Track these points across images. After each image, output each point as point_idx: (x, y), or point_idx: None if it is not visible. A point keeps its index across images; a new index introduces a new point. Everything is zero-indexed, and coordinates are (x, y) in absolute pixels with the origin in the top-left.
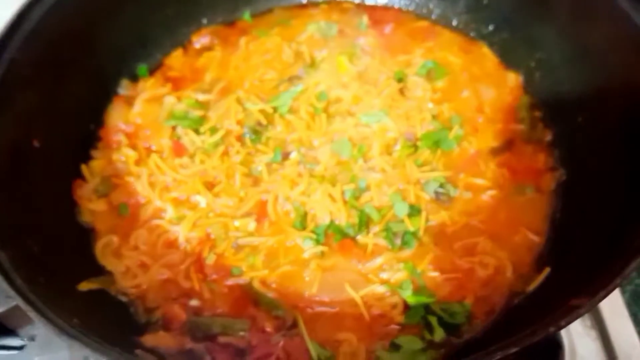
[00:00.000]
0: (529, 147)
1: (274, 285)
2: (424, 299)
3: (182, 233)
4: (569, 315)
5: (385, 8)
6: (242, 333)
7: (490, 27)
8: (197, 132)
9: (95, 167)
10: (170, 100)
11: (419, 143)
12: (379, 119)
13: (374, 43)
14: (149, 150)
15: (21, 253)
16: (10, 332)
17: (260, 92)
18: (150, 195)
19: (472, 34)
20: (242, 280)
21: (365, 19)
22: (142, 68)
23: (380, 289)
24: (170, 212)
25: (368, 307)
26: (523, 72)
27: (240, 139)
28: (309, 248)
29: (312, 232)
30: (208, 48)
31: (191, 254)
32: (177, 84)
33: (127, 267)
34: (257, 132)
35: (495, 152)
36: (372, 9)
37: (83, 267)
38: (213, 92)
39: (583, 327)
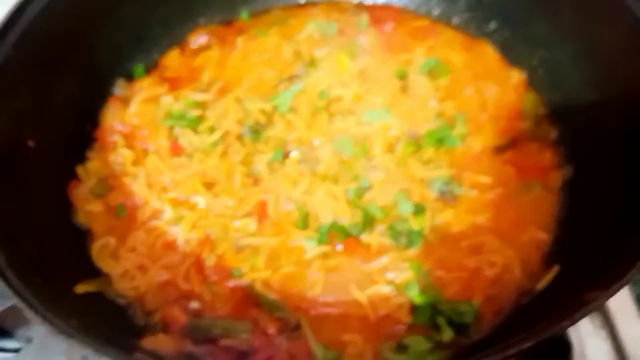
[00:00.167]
0: (535, 145)
1: (276, 287)
2: (431, 299)
3: (181, 234)
4: (583, 309)
5: (385, 7)
6: (244, 335)
7: (492, 25)
8: (195, 132)
9: (91, 168)
10: (167, 100)
11: (422, 141)
12: (382, 117)
13: (374, 42)
14: (146, 151)
15: (16, 253)
16: (6, 334)
17: (259, 92)
18: (148, 195)
19: (473, 32)
20: (244, 281)
21: (365, 17)
22: (138, 68)
23: (386, 289)
24: (168, 213)
25: (373, 307)
26: (526, 70)
27: (239, 138)
28: (312, 248)
29: (315, 232)
30: (205, 48)
31: (190, 255)
32: (174, 84)
33: (124, 269)
34: (256, 131)
35: (500, 149)
36: (372, 8)
37: (80, 269)
38: (211, 92)
39: (592, 327)
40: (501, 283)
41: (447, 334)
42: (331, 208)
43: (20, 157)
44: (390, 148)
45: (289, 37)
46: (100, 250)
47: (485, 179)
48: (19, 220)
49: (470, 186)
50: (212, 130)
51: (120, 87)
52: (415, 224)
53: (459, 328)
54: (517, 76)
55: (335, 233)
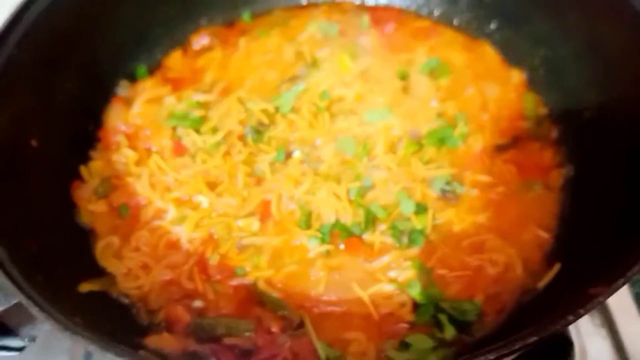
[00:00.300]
0: (536, 144)
1: (279, 285)
2: (433, 297)
3: (185, 233)
4: (588, 304)
5: (386, 8)
6: (247, 334)
7: (493, 25)
8: (198, 132)
9: (94, 168)
10: (170, 100)
11: (423, 141)
12: (383, 117)
13: (375, 42)
14: (149, 151)
15: (20, 252)
16: (10, 332)
17: (261, 92)
18: (151, 195)
19: (474, 33)
20: (247, 280)
21: (366, 18)
22: (141, 69)
23: (388, 288)
24: (172, 213)
25: (376, 306)
26: (527, 70)
27: (242, 138)
28: (315, 247)
29: (318, 231)
30: (207, 49)
31: (194, 255)
32: (176, 85)
33: (128, 269)
34: (259, 131)
35: (501, 149)
36: (373, 9)
37: (83, 268)
38: (213, 93)
39: (593, 325)
40: (503, 281)
41: (450, 332)
42: (333, 207)
43: (23, 156)
44: (392, 148)
45: (290, 38)
46: (103, 249)
47: (487, 178)
48: (23, 219)
49: (471, 185)
50: (214, 130)
51: (123, 88)
52: (417, 223)
53: (462, 326)
54: (517, 76)
55: (337, 232)
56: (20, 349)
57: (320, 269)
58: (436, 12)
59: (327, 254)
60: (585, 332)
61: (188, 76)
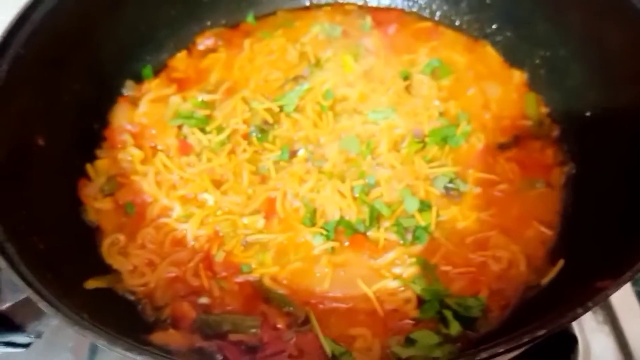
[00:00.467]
0: (537, 143)
1: (284, 282)
2: (438, 294)
3: (190, 231)
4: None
5: (388, 9)
6: (253, 330)
7: (494, 26)
8: (203, 131)
9: (100, 167)
10: (175, 99)
11: (426, 139)
12: (387, 115)
13: (378, 43)
14: (154, 150)
15: (27, 249)
16: (16, 328)
17: (265, 92)
18: (157, 193)
19: (475, 34)
20: (252, 277)
21: (368, 20)
22: (146, 69)
23: (393, 284)
24: (177, 210)
25: (381, 302)
26: (528, 70)
27: (247, 137)
28: (320, 244)
29: (322, 228)
30: (212, 50)
31: (199, 252)
32: (181, 85)
33: (134, 266)
34: (263, 130)
35: (503, 147)
36: (375, 10)
37: (90, 265)
38: (218, 92)
39: (596, 322)
40: (507, 278)
41: (455, 328)
42: (338, 205)
43: (30, 155)
44: (395, 146)
45: (294, 39)
46: (109, 247)
47: (490, 176)
48: (30, 217)
49: (474, 183)
50: (220, 129)
51: (129, 88)
52: (421, 220)
53: (466, 322)
54: (519, 76)
55: (342, 229)
56: (26, 346)
57: (325, 266)
58: (438, 14)
59: (332, 250)
60: (589, 329)
61: (193, 76)
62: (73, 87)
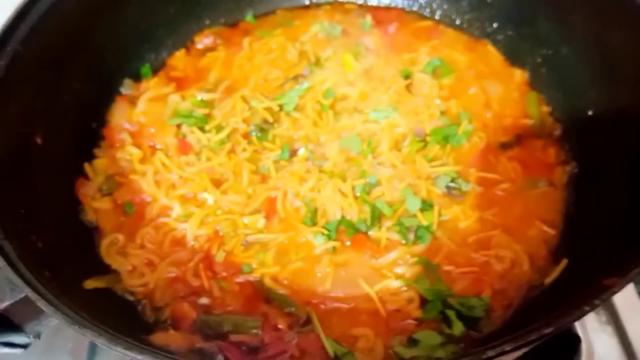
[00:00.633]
0: (539, 142)
1: (285, 282)
2: (441, 293)
3: (190, 230)
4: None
5: (388, 8)
6: (254, 331)
7: (495, 25)
8: (202, 130)
9: (98, 166)
10: (174, 98)
11: (428, 138)
12: (388, 114)
13: (378, 42)
14: (153, 149)
15: (26, 247)
16: (15, 328)
17: (265, 91)
18: (156, 193)
19: (476, 33)
20: (253, 277)
21: (368, 19)
22: (145, 68)
23: (395, 284)
24: (177, 210)
25: (383, 302)
26: (529, 69)
27: (246, 136)
28: (321, 244)
29: (324, 227)
30: (211, 48)
31: (199, 252)
32: (180, 84)
33: (133, 266)
34: (263, 129)
35: (505, 146)
36: (375, 9)
37: (88, 265)
38: (217, 91)
39: (599, 323)
40: (510, 277)
41: (458, 328)
42: (339, 204)
43: (28, 154)
44: (396, 145)
45: (294, 38)
46: (108, 247)
47: (492, 176)
48: (29, 216)
49: (476, 182)
50: (219, 128)
51: (127, 87)
52: (423, 220)
53: (470, 322)
54: (520, 75)
55: (343, 229)
56: (24, 346)
57: (326, 266)
58: (438, 13)
59: (333, 250)
60: (592, 329)
61: (192, 75)
62: (72, 85)
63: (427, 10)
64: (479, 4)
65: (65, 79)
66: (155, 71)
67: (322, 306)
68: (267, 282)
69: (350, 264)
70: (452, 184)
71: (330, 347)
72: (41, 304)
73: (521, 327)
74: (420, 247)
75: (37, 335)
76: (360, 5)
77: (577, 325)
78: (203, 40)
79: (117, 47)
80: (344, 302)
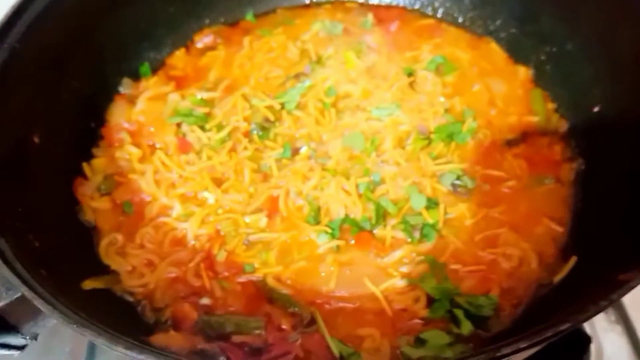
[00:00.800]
0: (545, 139)
1: (289, 282)
2: (448, 292)
3: (191, 230)
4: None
5: (389, 7)
6: (257, 331)
7: (497, 23)
8: (203, 128)
9: (97, 165)
10: (174, 97)
11: (432, 136)
12: (391, 112)
13: (380, 40)
14: (153, 148)
15: (23, 246)
16: (11, 329)
17: (266, 90)
18: (155, 192)
19: (479, 31)
20: (255, 277)
21: (370, 17)
22: (144, 67)
23: (401, 283)
24: (177, 209)
25: (389, 301)
26: (533, 66)
27: (247, 135)
28: (324, 243)
29: (327, 226)
30: (211, 48)
31: (200, 251)
32: (180, 83)
33: (132, 266)
34: (264, 128)
35: (510, 144)
36: (377, 8)
37: (87, 265)
38: (218, 90)
39: (608, 322)
40: (518, 275)
41: (467, 327)
42: (343, 202)
43: (26, 152)
44: (400, 143)
45: (294, 37)
46: (107, 247)
47: (498, 173)
48: (26, 214)
49: (482, 180)
50: (220, 127)
51: (126, 86)
52: (428, 218)
53: (478, 321)
54: (524, 72)
55: (347, 227)
56: (21, 348)
57: (330, 265)
58: (440, 11)
59: (337, 249)
60: (601, 329)
61: (191, 74)
62: (71, 84)
63: (429, 8)
64: (482, 2)
65: (64, 78)
66: (154, 70)
67: (327, 306)
68: (270, 281)
69: (354, 263)
70: (457, 182)
71: (335, 348)
72: (38, 302)
73: (531, 325)
74: (426, 246)
75: (34, 337)
76: (362, 4)
77: (586, 325)
78: (203, 40)
79: (117, 46)
80: (349, 301)
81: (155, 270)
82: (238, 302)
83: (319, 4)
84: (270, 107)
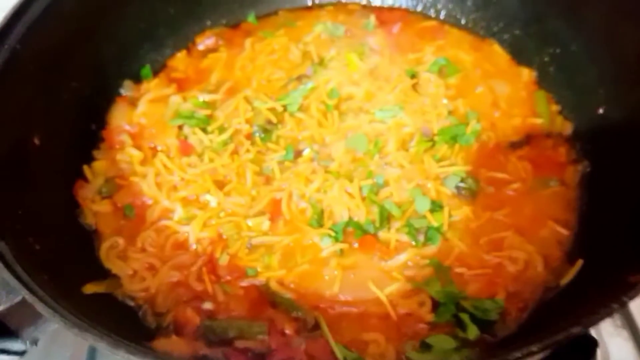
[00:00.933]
0: (549, 141)
1: (292, 286)
2: (453, 296)
3: (193, 233)
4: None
5: (391, 9)
6: (260, 336)
7: (500, 24)
8: (204, 131)
9: (98, 168)
10: (176, 99)
11: (436, 138)
12: (395, 114)
13: (382, 42)
14: (154, 150)
15: (23, 249)
16: (11, 334)
17: (268, 92)
18: (157, 195)
19: (481, 32)
20: (258, 281)
21: (372, 19)
22: (145, 69)
23: (406, 287)
24: (179, 212)
25: (394, 305)
26: (536, 67)
27: (250, 137)
28: (328, 246)
29: (330, 229)
30: (212, 50)
31: (202, 255)
32: (181, 85)
33: (134, 270)
34: (267, 130)
35: (514, 146)
36: (379, 10)
37: (88, 269)
38: (219, 92)
39: (614, 327)
40: (524, 279)
41: (473, 332)
42: (346, 205)
43: (26, 155)
44: (404, 145)
45: (296, 39)
46: (108, 250)
47: (502, 175)
48: (26, 217)
49: (486, 182)
50: (222, 129)
51: (127, 88)
52: (433, 221)
53: (484, 325)
54: (527, 74)
55: (351, 230)
56: (21, 353)
57: (334, 268)
58: (443, 12)
59: (341, 252)
60: (607, 334)
61: (193, 76)
62: (71, 86)
63: (432, 10)
64: (484, 3)
65: (64, 79)
66: (155, 72)
67: (331, 310)
68: (273, 285)
69: (358, 267)
70: (461, 184)
71: (340, 353)
72: (39, 306)
73: (538, 330)
74: (430, 249)
75: (34, 342)
76: (364, 6)
77: (592, 330)
78: (204, 41)
79: (117, 47)
80: (353, 306)
81: (157, 275)
82: (241, 307)
83: (321, 6)
84: (272, 109)
